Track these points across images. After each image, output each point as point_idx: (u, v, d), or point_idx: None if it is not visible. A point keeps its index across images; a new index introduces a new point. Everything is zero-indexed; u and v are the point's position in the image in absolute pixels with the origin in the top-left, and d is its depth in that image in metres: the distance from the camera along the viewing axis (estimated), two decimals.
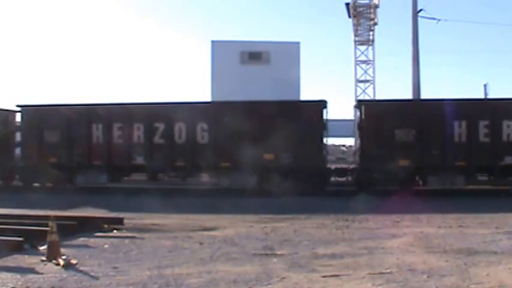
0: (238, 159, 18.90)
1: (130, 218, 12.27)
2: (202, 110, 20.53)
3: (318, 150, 19.53)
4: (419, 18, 28.46)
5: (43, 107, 21.84)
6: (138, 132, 20.32)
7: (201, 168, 20.47)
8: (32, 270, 7.34)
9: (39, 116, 21.32)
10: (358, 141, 21.11)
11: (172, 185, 21.04)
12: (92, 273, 7.17)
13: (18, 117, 23.20)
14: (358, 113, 20.69)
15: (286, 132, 18.57)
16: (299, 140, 18.92)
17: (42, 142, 20.92)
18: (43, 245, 8.49)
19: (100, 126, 20.62)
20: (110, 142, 20.48)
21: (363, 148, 19.72)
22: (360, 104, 20.62)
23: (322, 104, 19.80)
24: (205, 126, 19.89)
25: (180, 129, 20.05)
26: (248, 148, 18.74)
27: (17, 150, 23.27)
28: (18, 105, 22.00)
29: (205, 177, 22.07)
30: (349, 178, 20.50)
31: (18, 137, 22.91)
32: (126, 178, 21.94)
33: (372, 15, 35.82)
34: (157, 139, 20.17)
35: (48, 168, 20.65)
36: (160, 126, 20.17)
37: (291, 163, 19.17)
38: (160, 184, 21.58)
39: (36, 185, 21.03)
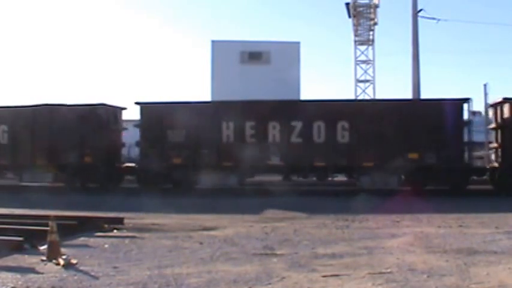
0: (381, 159, 18.68)
1: (131, 218, 12.28)
2: (342, 108, 19.83)
3: (461, 149, 19.15)
4: (419, 18, 28.48)
5: (166, 105, 20.66)
6: (273, 131, 19.61)
7: (340, 168, 19.84)
8: (32, 270, 7.34)
9: (161, 114, 20.13)
10: (493, 140, 20.39)
11: (307, 185, 20.42)
12: (92, 273, 7.17)
13: (124, 115, 22.46)
14: (493, 112, 20.17)
15: (430, 131, 18.52)
16: (442, 139, 18.66)
17: (165, 142, 19.97)
18: (43, 244, 8.49)
19: (231, 124, 19.76)
20: (242, 142, 19.58)
21: (506, 147, 19.16)
22: (504, 102, 19.29)
23: (463, 102, 19.33)
24: (346, 125, 19.24)
25: (319, 128, 19.41)
26: (392, 147, 18.60)
27: (124, 150, 22.63)
28: (137, 103, 20.66)
29: (341, 178, 21.53)
30: (487, 177, 20.06)
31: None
32: (248, 179, 21.00)
33: (372, 15, 35.83)
34: (294, 138, 19.45)
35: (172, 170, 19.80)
36: (298, 124, 19.42)
37: (434, 162, 18.77)
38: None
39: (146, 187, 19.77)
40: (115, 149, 21.75)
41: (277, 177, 20.74)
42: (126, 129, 22.26)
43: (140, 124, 20.60)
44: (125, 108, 22.32)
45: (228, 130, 19.69)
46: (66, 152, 20.56)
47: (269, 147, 19.54)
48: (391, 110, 19.22)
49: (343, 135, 19.22)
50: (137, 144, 20.80)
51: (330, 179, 21.23)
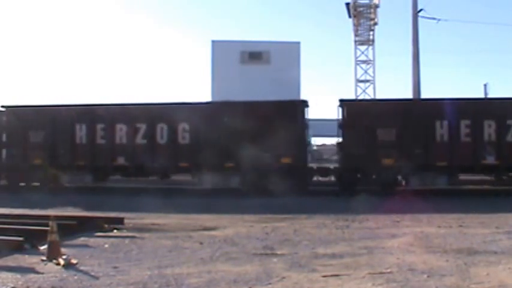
0: None
1: (131, 218, 12.28)
2: None
3: None
4: (419, 18, 28.53)
5: (374, 102, 19.79)
6: (489, 130, 18.71)
7: None
8: (32, 270, 7.34)
9: (368, 112, 19.21)
10: None
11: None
12: (92, 273, 7.17)
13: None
14: None
15: None
16: None
17: (374, 142, 18.84)
18: (43, 244, 8.49)
19: (445, 123, 18.77)
20: (456, 141, 18.70)
21: None
22: None
23: None
24: None
25: None
26: None
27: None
28: (341, 100, 19.37)
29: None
30: None
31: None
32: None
33: (372, 15, 35.87)
34: (510, 137, 18.59)
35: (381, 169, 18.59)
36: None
37: None
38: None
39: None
40: (305, 149, 20.47)
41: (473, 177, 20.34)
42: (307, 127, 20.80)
43: (343, 123, 19.38)
44: (307, 106, 20.51)
45: (441, 129, 18.87)
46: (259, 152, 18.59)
47: (484, 146, 18.82)
48: None
49: None
50: (339, 144, 19.79)
51: None
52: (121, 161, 20.21)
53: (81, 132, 20.47)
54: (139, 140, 19.98)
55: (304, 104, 20.19)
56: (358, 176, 19.33)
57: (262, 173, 18.74)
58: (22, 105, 21.85)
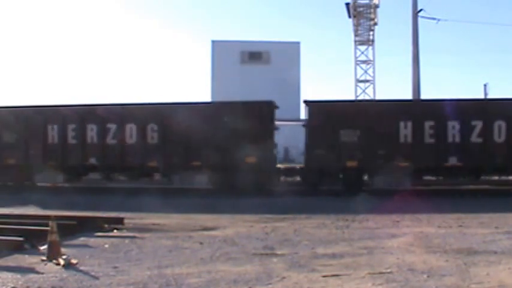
0: None
1: (131, 218, 12.29)
2: None
3: None
4: (419, 18, 28.53)
5: None
6: None
7: None
8: (32, 270, 7.34)
9: None
10: None
11: None
12: (92, 273, 7.18)
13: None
14: None
15: None
16: None
17: None
18: (43, 244, 8.49)
19: None
20: None
21: None
22: None
23: None
24: None
25: None
26: None
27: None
28: None
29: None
30: None
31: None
32: None
33: (372, 15, 35.90)
34: None
35: None
36: None
37: None
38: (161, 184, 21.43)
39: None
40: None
41: None
42: None
43: None
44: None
45: None
46: None
47: None
48: None
49: None
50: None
51: None
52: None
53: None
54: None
55: None
56: None
57: None
58: (331, 100, 19.96)
